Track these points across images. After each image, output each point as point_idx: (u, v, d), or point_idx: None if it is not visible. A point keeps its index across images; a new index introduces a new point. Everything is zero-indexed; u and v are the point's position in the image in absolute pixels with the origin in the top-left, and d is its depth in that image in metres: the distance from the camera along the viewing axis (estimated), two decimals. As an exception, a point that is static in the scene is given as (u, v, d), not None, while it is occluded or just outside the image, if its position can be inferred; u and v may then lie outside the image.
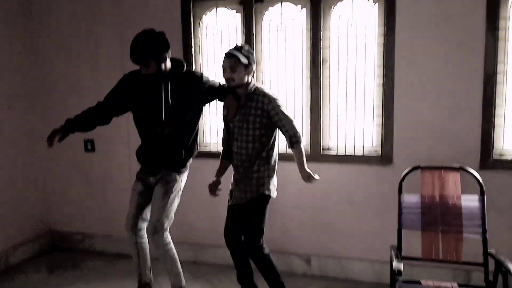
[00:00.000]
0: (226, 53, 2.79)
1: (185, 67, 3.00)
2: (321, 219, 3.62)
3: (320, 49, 3.48)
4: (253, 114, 2.82)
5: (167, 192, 3.00)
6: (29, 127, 4.24)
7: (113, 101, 3.05)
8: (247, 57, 2.77)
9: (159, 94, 2.90)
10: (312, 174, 2.82)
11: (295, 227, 3.66)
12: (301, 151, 2.86)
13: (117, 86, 3.07)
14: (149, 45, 2.75)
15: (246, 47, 2.84)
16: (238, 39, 3.68)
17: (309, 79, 3.54)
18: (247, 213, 2.91)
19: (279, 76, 3.62)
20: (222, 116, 3.05)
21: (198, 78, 2.97)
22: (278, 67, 3.62)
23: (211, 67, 3.81)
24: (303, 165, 2.86)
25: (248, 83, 2.83)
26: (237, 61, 2.73)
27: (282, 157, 3.61)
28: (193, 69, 3.17)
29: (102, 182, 4.27)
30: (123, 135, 4.09)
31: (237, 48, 2.79)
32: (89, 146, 4.22)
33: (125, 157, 4.11)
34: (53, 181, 4.42)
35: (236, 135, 2.90)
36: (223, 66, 2.79)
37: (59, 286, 3.65)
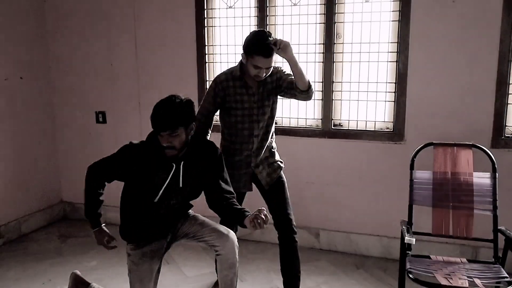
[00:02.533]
0: (265, 53, 2.54)
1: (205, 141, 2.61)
2: (331, 194, 3.65)
3: (334, 23, 3.46)
4: (270, 88, 2.75)
5: (204, 221, 2.62)
6: (41, 98, 4.27)
7: (111, 176, 2.52)
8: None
9: (166, 174, 2.43)
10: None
11: (305, 202, 3.70)
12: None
13: (116, 160, 2.47)
14: (180, 109, 2.32)
15: (270, 34, 2.63)
16: (251, 14, 3.66)
17: (322, 54, 3.53)
18: (280, 192, 2.84)
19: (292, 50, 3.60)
20: None
21: (218, 157, 2.56)
22: (291, 42, 3.59)
23: (223, 41, 3.80)
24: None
25: None
26: (273, 60, 2.59)
27: (294, 132, 3.64)
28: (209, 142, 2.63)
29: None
30: (134, 106, 4.13)
31: (270, 41, 2.55)
32: (101, 118, 4.24)
33: (136, 129, 4.14)
34: (64, 152, 4.47)
35: (256, 116, 2.74)
36: (258, 65, 2.56)
37: (71, 254, 3.72)
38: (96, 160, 2.53)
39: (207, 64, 3.85)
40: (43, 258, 3.64)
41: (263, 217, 2.25)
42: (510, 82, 3.14)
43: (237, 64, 2.77)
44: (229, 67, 2.84)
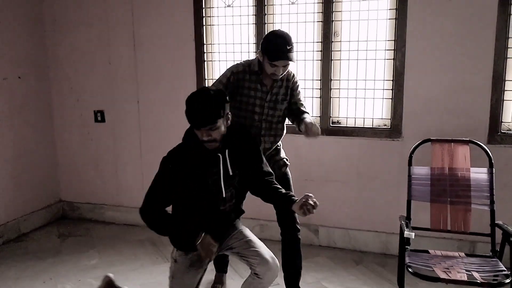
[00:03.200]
0: (282, 56, 2.54)
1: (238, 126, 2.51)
2: (330, 191, 3.68)
3: (332, 21, 3.49)
4: (282, 93, 2.76)
5: (250, 240, 2.47)
6: (40, 97, 4.28)
7: (168, 200, 2.35)
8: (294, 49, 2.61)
9: (216, 167, 2.34)
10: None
11: (303, 199, 3.72)
12: None
13: (165, 179, 2.31)
14: (215, 101, 2.22)
15: (292, 39, 2.63)
16: (249, 12, 3.68)
17: (320, 52, 3.56)
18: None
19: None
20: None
21: (253, 140, 2.54)
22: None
23: (222, 40, 3.82)
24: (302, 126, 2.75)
25: None
26: (291, 60, 2.59)
27: (293, 129, 3.66)
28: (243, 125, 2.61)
29: (112, 152, 4.31)
30: (133, 105, 4.14)
31: (290, 45, 2.56)
32: (99, 117, 4.25)
33: (135, 128, 4.16)
34: (63, 151, 4.47)
35: (265, 116, 2.75)
36: (276, 64, 2.56)
37: (71, 253, 3.73)
38: (144, 199, 2.33)
39: (205, 62, 3.87)
40: (43, 257, 3.64)
41: (312, 203, 2.24)
42: (506, 79, 3.18)
43: (254, 58, 2.78)
44: (246, 59, 2.83)
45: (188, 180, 2.29)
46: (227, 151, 2.35)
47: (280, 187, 2.46)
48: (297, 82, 2.83)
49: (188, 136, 2.38)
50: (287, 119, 2.87)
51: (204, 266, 2.43)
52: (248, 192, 2.62)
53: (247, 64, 2.76)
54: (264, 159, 2.52)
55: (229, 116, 2.32)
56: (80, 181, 4.48)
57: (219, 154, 2.33)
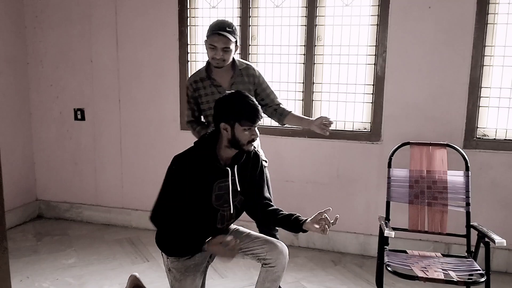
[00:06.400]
0: (218, 32, 2.60)
1: None
2: (310, 193, 3.73)
3: (315, 26, 3.55)
4: (245, 88, 2.74)
5: (249, 233, 2.47)
6: (18, 94, 4.21)
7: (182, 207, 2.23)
8: (236, 36, 2.67)
9: (224, 181, 2.27)
10: (324, 117, 2.71)
11: (284, 200, 3.74)
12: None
13: (175, 181, 2.22)
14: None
15: (233, 24, 2.68)
16: (234, 14, 3.72)
17: (303, 55, 3.62)
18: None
19: (274, 51, 3.69)
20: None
21: (260, 162, 2.44)
22: (273, 43, 3.68)
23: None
24: (305, 118, 2.88)
25: (233, 61, 2.76)
26: (229, 41, 2.62)
27: (272, 131, 3.70)
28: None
29: (91, 151, 4.27)
30: (114, 104, 4.11)
31: (229, 27, 2.63)
32: (79, 115, 4.21)
33: (116, 127, 4.14)
34: (41, 149, 4.41)
35: None
36: (213, 44, 2.62)
37: (48, 252, 3.67)
38: (153, 207, 2.24)
39: (189, 63, 3.88)
40: (19, 256, 3.58)
41: (328, 219, 2.17)
42: (482, 86, 3.29)
43: (203, 66, 2.83)
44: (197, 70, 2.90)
45: (194, 187, 2.20)
46: (236, 167, 2.29)
47: (281, 209, 2.39)
48: (260, 76, 2.85)
49: (202, 145, 2.28)
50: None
51: (200, 271, 2.35)
52: None
53: (197, 73, 2.83)
54: (268, 184, 2.49)
55: None
56: (57, 180, 4.42)
57: (228, 168, 2.26)
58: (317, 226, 2.17)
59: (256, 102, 2.21)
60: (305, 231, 2.25)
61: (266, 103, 2.88)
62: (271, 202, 2.47)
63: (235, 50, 2.72)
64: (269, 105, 2.89)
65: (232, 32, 2.64)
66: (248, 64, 2.86)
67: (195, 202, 2.22)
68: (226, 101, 2.22)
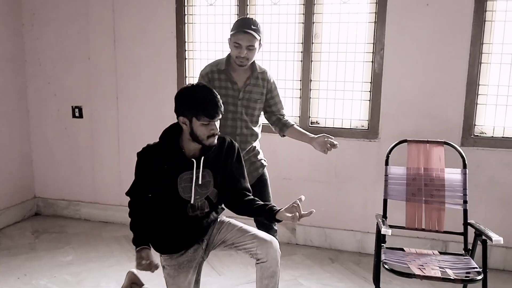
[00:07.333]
0: (243, 30, 2.57)
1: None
2: (307, 190, 3.70)
3: (313, 23, 3.54)
4: (258, 92, 2.76)
5: (241, 227, 2.43)
6: (16, 92, 4.20)
7: (146, 190, 2.35)
8: (260, 34, 2.63)
9: (190, 173, 2.29)
10: (326, 136, 2.72)
11: (282, 198, 3.74)
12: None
13: (140, 172, 2.33)
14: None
15: (258, 22, 2.65)
16: (231, 12, 3.71)
17: (301, 53, 3.61)
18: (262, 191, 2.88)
19: (272, 49, 3.68)
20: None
21: (237, 152, 2.44)
22: (271, 40, 3.67)
23: (204, 38, 3.83)
24: (307, 134, 2.86)
25: (253, 62, 2.73)
26: (254, 39, 2.58)
27: (270, 128, 3.69)
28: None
29: (89, 149, 4.27)
30: (112, 101, 4.11)
31: (254, 25, 2.59)
32: (77, 112, 4.20)
33: (114, 124, 4.13)
34: (39, 147, 4.40)
35: (240, 114, 2.74)
36: (238, 42, 2.58)
37: (46, 249, 3.67)
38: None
39: (187, 60, 3.87)
40: (17, 253, 3.58)
41: (299, 207, 2.19)
42: (480, 83, 3.29)
43: (223, 57, 2.78)
44: (215, 59, 2.85)
45: (159, 179, 2.27)
46: (202, 158, 2.28)
47: (257, 199, 2.40)
48: (273, 82, 2.85)
49: (166, 137, 2.32)
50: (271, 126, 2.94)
51: (194, 267, 2.35)
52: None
53: (215, 64, 2.77)
54: (246, 175, 2.49)
55: None
56: (55, 178, 4.41)
57: (193, 160, 2.27)
58: (288, 214, 2.19)
59: (218, 97, 2.20)
60: (279, 221, 2.28)
61: (272, 111, 2.88)
62: (249, 192, 2.46)
63: (259, 49, 2.69)
64: (275, 113, 2.88)
65: (257, 30, 2.61)
66: (265, 70, 2.83)
67: (162, 193, 2.29)
68: (185, 95, 2.20)
